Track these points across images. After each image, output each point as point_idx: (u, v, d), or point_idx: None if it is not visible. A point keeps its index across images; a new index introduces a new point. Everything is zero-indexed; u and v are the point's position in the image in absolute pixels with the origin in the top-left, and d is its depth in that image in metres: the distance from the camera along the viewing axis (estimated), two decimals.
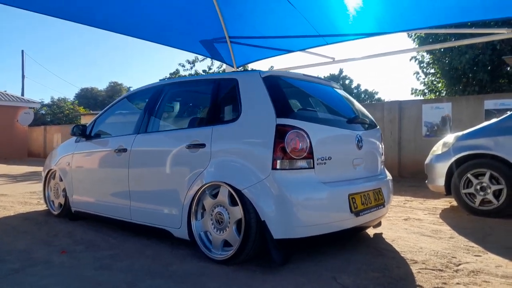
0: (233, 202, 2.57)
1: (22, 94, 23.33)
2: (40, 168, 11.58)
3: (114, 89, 40.17)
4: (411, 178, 7.96)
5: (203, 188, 2.70)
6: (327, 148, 2.64)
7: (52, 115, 25.98)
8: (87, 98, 37.82)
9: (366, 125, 3.14)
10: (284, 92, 2.70)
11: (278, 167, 2.43)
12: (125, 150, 3.33)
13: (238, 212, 2.52)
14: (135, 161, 3.24)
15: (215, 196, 2.69)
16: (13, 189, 6.66)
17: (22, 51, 27.35)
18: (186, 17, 5.99)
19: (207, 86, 3.11)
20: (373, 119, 3.39)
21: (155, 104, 3.35)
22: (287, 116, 2.52)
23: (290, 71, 6.38)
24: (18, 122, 17.97)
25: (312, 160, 2.52)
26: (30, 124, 18.63)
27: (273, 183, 2.41)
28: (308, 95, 3.10)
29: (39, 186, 6.94)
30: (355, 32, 5.99)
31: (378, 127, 3.38)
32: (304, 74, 3.10)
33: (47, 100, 29.49)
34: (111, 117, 3.94)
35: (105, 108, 3.97)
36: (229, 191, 2.57)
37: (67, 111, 25.78)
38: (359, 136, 2.93)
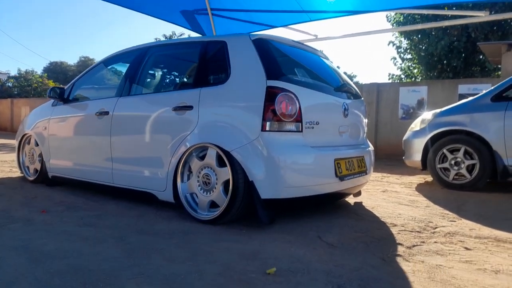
0: (220, 164, 2.57)
1: None
2: (8, 141, 11.12)
3: (85, 63, 38.69)
4: (386, 159, 8.19)
5: (190, 149, 2.68)
6: (316, 113, 2.67)
7: (20, 87, 24.79)
8: (56, 72, 36.32)
9: (352, 95, 3.19)
10: (274, 55, 2.69)
11: (267, 129, 2.44)
12: (107, 112, 3.24)
13: (226, 173, 2.52)
14: (118, 124, 3.16)
15: (202, 158, 2.68)
16: None
17: None
18: None
19: (195, 49, 3.05)
20: (358, 90, 3.44)
21: (139, 66, 3.26)
22: (277, 79, 2.51)
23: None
24: None
25: (300, 124, 2.54)
26: None
27: (262, 144, 2.42)
28: (297, 60, 3.10)
29: (9, 156, 6.69)
30: (338, 9, 6.01)
31: (362, 98, 3.44)
32: (292, 40, 3.10)
33: (13, 72, 28.08)
34: (92, 80, 3.81)
35: (85, 71, 3.83)
36: (217, 152, 2.57)
37: (36, 84, 24.66)
38: (346, 104, 2.97)
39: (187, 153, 2.70)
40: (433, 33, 11.80)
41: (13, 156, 6.63)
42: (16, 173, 4.67)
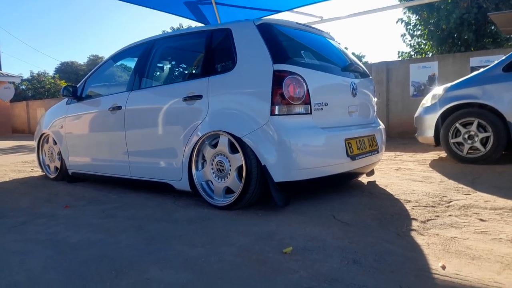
0: (233, 150, 2.62)
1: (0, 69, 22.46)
2: (27, 142, 11.41)
3: (95, 62, 39.02)
4: (399, 137, 8.13)
5: (202, 138, 2.73)
6: (324, 94, 2.68)
7: (33, 90, 25.27)
8: (68, 72, 36.78)
9: (360, 74, 3.18)
10: (279, 39, 2.70)
11: (276, 112, 2.46)
12: (119, 107, 3.32)
13: (238, 159, 2.57)
14: (131, 118, 3.23)
15: (214, 146, 2.73)
16: (4, 160, 6.58)
17: None
18: None
19: (200, 38, 3.08)
20: (366, 69, 3.43)
21: (147, 59, 3.31)
22: (283, 62, 2.53)
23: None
24: None
25: (309, 106, 2.56)
26: (11, 99, 18.09)
27: (272, 128, 2.45)
28: (302, 43, 3.10)
29: (29, 157, 6.89)
30: None
31: (370, 77, 3.43)
32: (297, 23, 3.09)
33: (26, 75, 28.58)
34: (102, 77, 3.88)
35: (95, 68, 3.90)
36: (228, 139, 2.61)
37: (48, 85, 25.10)
38: (354, 84, 2.97)
39: (199, 142, 2.76)
40: (442, 7, 11.51)
41: (32, 156, 6.84)
42: (37, 172, 4.82)
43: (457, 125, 4.23)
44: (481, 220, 2.28)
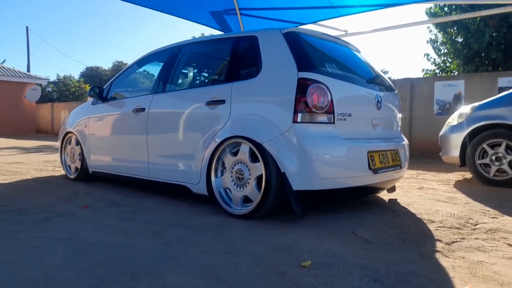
0: (253, 159, 2.60)
1: (28, 71, 23.27)
2: (50, 143, 11.71)
3: (119, 68, 39.99)
4: (422, 156, 7.94)
5: (223, 144, 2.72)
6: (348, 105, 2.64)
7: (59, 92, 26.07)
8: (92, 76, 37.77)
9: (385, 88, 3.13)
10: (305, 48, 2.69)
11: (299, 120, 2.43)
12: (143, 109, 3.36)
13: (258, 168, 2.55)
14: (153, 120, 3.26)
15: (235, 154, 2.72)
16: (27, 158, 6.75)
17: (27, 27, 26.70)
18: None
19: (226, 45, 3.10)
20: (391, 83, 3.37)
21: (173, 64, 3.35)
22: (309, 70, 2.51)
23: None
24: (25, 98, 18.04)
25: (332, 115, 2.53)
26: (37, 100, 18.69)
27: (294, 136, 2.42)
28: (328, 53, 3.08)
29: (52, 157, 7.05)
30: (369, 3, 5.89)
31: (396, 91, 3.36)
32: (323, 33, 3.08)
33: (52, 78, 29.53)
34: (128, 79, 3.95)
35: (122, 71, 3.97)
36: (249, 148, 2.59)
37: (73, 89, 25.85)
38: (379, 97, 2.92)
39: (220, 147, 2.74)
40: (470, 25, 11.30)
41: (54, 156, 7.00)
42: (58, 172, 4.92)
43: (485, 146, 4.09)
44: (510, 245, 2.17)
